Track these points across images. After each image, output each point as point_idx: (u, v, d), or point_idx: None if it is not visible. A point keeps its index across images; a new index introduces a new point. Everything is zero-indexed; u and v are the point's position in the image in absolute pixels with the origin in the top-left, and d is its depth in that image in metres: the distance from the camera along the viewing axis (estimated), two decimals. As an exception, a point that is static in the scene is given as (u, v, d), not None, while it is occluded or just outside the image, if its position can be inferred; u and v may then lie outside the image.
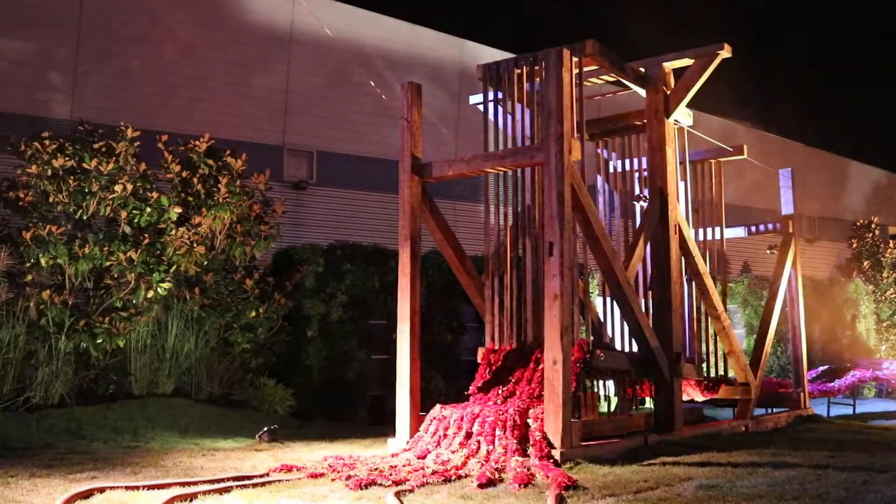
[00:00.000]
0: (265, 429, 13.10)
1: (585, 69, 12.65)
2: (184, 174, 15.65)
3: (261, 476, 9.59)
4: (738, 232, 17.28)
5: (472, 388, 12.46)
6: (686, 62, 13.62)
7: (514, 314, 12.61)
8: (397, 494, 8.55)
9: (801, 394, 16.37)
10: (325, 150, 21.53)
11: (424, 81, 13.30)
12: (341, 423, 15.97)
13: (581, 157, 11.78)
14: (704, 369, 15.27)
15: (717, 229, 15.92)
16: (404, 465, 10.28)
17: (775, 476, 9.59)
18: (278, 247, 16.79)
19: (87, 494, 8.31)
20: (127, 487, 8.64)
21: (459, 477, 9.66)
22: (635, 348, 13.14)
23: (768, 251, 16.92)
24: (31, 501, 8.04)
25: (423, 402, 12.72)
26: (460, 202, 18.71)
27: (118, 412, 13.80)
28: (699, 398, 14.98)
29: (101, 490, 8.52)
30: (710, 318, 15.02)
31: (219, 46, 20.30)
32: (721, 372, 15.47)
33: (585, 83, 12.83)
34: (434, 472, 9.76)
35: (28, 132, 14.75)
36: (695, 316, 14.91)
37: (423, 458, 10.81)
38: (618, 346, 13.63)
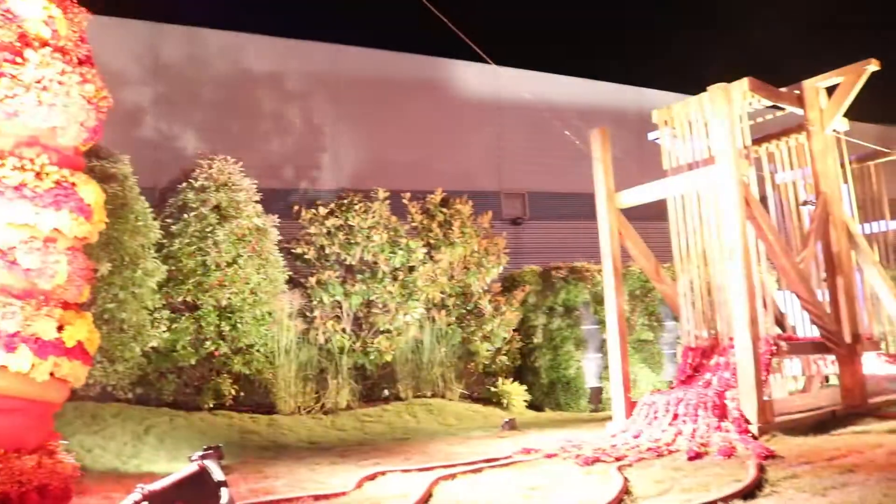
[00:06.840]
0: (506, 420, 13.19)
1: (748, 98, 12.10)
2: (424, 222, 16.21)
3: (506, 458, 9.63)
4: (904, 223, 15.87)
5: (675, 382, 12.06)
6: (837, 80, 12.70)
7: (703, 312, 12.14)
8: (619, 469, 8.40)
9: None
10: (534, 190, 21.62)
11: (610, 125, 13.11)
12: (567, 412, 15.89)
13: (749, 173, 11.26)
14: (883, 348, 14.07)
15: (883, 222, 14.74)
16: (622, 444, 10.07)
17: (967, 440, 8.58)
18: (504, 272, 16.98)
19: (373, 477, 8.61)
20: (403, 471, 8.89)
21: (671, 452, 9.34)
22: (816, 333, 12.29)
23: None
24: (332, 482, 8.36)
25: (633, 390, 12.41)
26: (651, 222, 18.20)
27: (391, 412, 14.30)
28: (882, 372, 13.76)
29: (383, 473, 8.80)
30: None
31: (444, 118, 20.89)
32: (900, 349, 14.20)
33: (750, 108, 12.26)
34: (648, 449, 9.51)
35: (306, 202, 15.76)
36: (869, 302, 13.79)
37: (638, 437, 10.53)
38: (800, 334, 12.80)
